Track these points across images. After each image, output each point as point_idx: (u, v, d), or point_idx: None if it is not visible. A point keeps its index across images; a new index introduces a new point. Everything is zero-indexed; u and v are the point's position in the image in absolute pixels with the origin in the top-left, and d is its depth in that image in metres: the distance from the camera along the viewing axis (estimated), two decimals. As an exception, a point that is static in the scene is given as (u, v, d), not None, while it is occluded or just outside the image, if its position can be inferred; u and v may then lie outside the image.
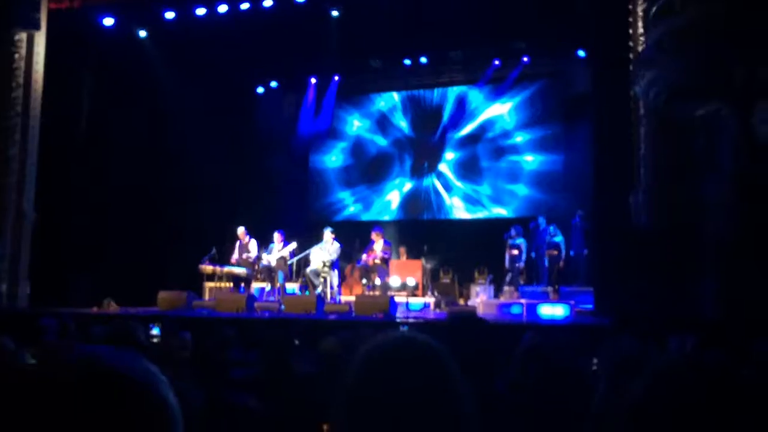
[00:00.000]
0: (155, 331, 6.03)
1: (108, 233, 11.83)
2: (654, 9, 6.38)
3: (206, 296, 11.02)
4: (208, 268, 10.87)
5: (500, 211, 14.13)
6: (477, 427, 0.96)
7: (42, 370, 0.71)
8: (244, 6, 11.52)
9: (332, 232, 10.79)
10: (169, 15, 11.70)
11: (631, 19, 8.66)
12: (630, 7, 8.71)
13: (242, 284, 10.97)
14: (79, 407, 0.67)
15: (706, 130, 7.26)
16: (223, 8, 11.52)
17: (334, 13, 12.04)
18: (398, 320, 8.67)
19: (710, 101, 6.59)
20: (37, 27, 10.53)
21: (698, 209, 7.38)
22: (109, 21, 11.71)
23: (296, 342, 3.97)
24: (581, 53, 12.61)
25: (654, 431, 0.67)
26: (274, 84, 15.04)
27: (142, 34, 12.41)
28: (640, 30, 8.16)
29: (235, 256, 11.02)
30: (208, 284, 11.22)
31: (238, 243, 11.11)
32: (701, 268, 7.15)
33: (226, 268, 10.88)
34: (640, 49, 7.93)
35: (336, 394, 1.00)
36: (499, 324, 8.00)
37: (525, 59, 13.45)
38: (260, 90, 15.12)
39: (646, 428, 0.68)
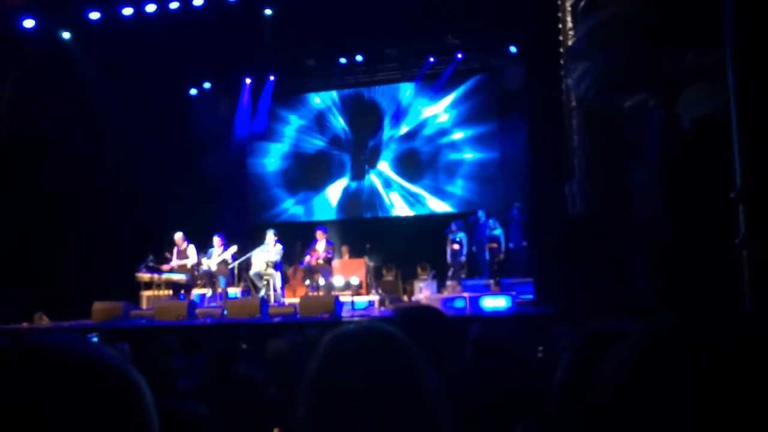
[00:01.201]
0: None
1: (36, 244, 11.29)
2: (582, 3, 6.57)
3: (144, 305, 10.70)
4: (145, 276, 10.55)
5: (440, 207, 14.28)
6: (444, 413, 0.95)
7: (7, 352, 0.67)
8: (174, 5, 11.23)
9: (275, 234, 10.66)
10: (94, 15, 11.26)
11: (560, 14, 8.90)
12: (559, 2, 8.95)
13: (182, 291, 10.70)
14: (54, 387, 0.64)
15: (635, 120, 7.53)
16: (151, 8, 11.18)
17: (267, 11, 11.88)
18: (344, 319, 8.64)
19: (637, 92, 6.83)
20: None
21: (629, 197, 7.65)
22: (29, 23, 11.19)
23: (244, 346, 3.90)
24: (513, 49, 12.89)
25: (643, 402, 0.67)
26: (207, 85, 14.71)
27: (66, 35, 11.91)
28: (570, 24, 8.40)
29: (173, 262, 10.74)
30: (146, 293, 10.89)
31: (175, 249, 10.83)
32: (633, 254, 7.41)
33: (164, 276, 10.58)
34: (570, 43, 8.16)
35: (301, 383, 0.98)
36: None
37: (459, 56, 13.63)
38: (193, 92, 14.77)
39: (634, 400, 0.68)
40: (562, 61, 8.66)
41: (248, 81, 14.62)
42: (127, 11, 11.19)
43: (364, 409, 0.92)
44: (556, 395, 1.13)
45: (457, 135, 14.27)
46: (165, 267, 10.65)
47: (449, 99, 14.38)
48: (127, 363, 0.72)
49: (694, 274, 5.46)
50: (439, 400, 0.97)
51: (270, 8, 11.83)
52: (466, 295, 9.99)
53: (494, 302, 9.55)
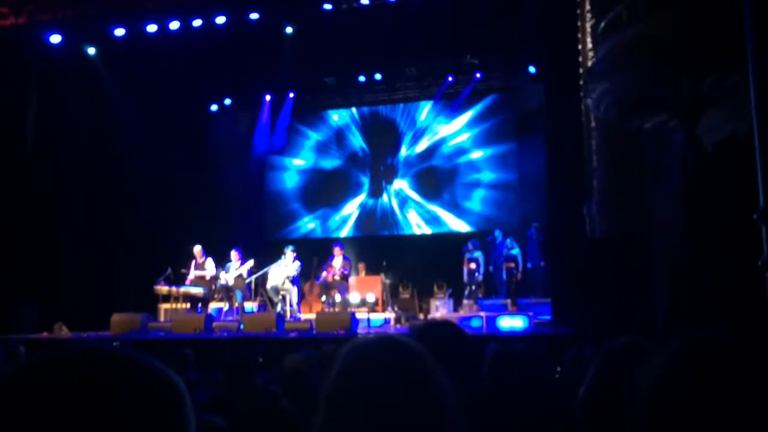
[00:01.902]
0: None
1: (58, 255, 11.44)
2: (602, 24, 6.59)
3: (162, 318, 10.76)
4: (163, 288, 10.62)
5: (458, 225, 14.25)
6: (463, 424, 0.95)
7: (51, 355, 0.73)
8: (197, 23, 11.41)
9: (294, 251, 10.69)
10: (119, 32, 11.48)
11: (579, 35, 8.91)
12: (579, 23, 8.97)
13: (199, 304, 10.75)
14: (98, 390, 0.70)
15: (655, 141, 7.50)
16: (174, 25, 11.37)
17: (288, 30, 12.03)
18: (360, 336, 8.61)
19: (657, 113, 6.81)
20: (-19, 45, 10.22)
21: (649, 219, 7.59)
22: (56, 38, 11.44)
23: (260, 360, 3.91)
24: (532, 69, 12.91)
25: (684, 411, 0.67)
26: (227, 102, 14.90)
27: (91, 51, 12.14)
28: (589, 45, 8.41)
29: (191, 275, 10.80)
30: (164, 305, 10.95)
31: (193, 262, 10.90)
32: (652, 277, 7.34)
33: (182, 289, 10.64)
34: (589, 64, 8.16)
35: (317, 396, 0.99)
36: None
37: (478, 75, 13.68)
38: (214, 108, 14.96)
39: (674, 409, 0.68)
40: (581, 82, 8.66)
41: (268, 98, 14.78)
42: (152, 28, 11.39)
43: (381, 421, 0.92)
44: (580, 411, 1.12)
45: (476, 154, 14.28)
46: (188, 280, 10.72)
47: (467, 118, 14.41)
48: (166, 368, 0.77)
49: (716, 297, 5.39)
50: (457, 413, 0.97)
51: (291, 26, 11.99)
52: (482, 314, 9.92)
53: (511, 322, 9.48)
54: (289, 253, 10.61)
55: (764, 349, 0.69)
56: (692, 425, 0.66)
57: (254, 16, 11.37)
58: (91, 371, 0.71)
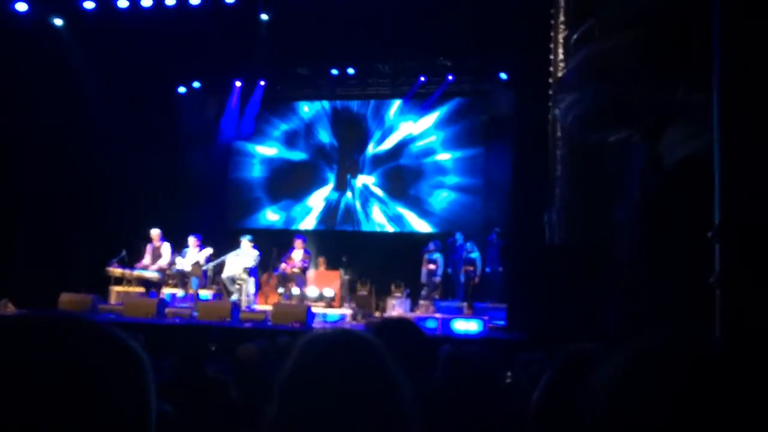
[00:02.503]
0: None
1: (8, 231, 11.10)
2: (575, 36, 6.67)
3: (113, 300, 10.54)
4: (116, 270, 10.41)
5: (420, 226, 14.31)
6: (417, 419, 0.95)
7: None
8: (170, 1, 11.20)
9: (251, 241, 10.59)
10: (89, 4, 11.19)
11: (552, 46, 9.02)
12: (552, 34, 9.08)
13: (153, 289, 10.56)
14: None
15: (618, 155, 7.63)
16: (147, 2, 11.14)
17: (264, 16, 11.89)
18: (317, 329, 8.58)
19: (622, 128, 6.92)
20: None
21: (608, 230, 7.72)
22: (22, 6, 11.08)
23: (213, 348, 3.86)
24: (504, 75, 13.03)
25: (640, 410, 0.68)
26: (196, 84, 14.64)
27: (58, 22, 11.80)
28: (561, 56, 8.51)
29: (146, 259, 10.60)
30: (116, 288, 10.72)
31: (150, 245, 10.70)
32: (607, 287, 7.47)
33: (136, 272, 10.44)
34: (560, 74, 8.26)
35: (270, 387, 0.97)
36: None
37: (450, 77, 13.74)
38: (182, 90, 14.69)
39: (631, 408, 0.69)
40: (551, 91, 8.77)
41: (238, 84, 14.58)
42: (123, 3, 11.14)
43: (336, 412, 0.91)
44: (534, 414, 1.13)
45: (443, 156, 14.35)
46: (139, 265, 10.52)
47: (437, 119, 14.47)
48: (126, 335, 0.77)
49: (667, 310, 5.53)
50: (411, 408, 0.97)
51: (267, 13, 11.85)
52: (438, 315, 9.98)
53: (466, 325, 9.55)
54: (245, 242, 10.51)
55: (712, 354, 0.70)
56: (648, 426, 0.67)
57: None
58: (45, 338, 0.69)
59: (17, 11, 11.09)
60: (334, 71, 14.02)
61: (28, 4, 11.10)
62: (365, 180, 14.75)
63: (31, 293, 9.77)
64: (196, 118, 14.69)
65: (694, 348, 0.71)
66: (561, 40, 8.66)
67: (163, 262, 10.55)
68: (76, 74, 11.92)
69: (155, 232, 10.70)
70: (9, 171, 11.22)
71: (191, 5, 11.21)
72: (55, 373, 0.66)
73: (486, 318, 9.80)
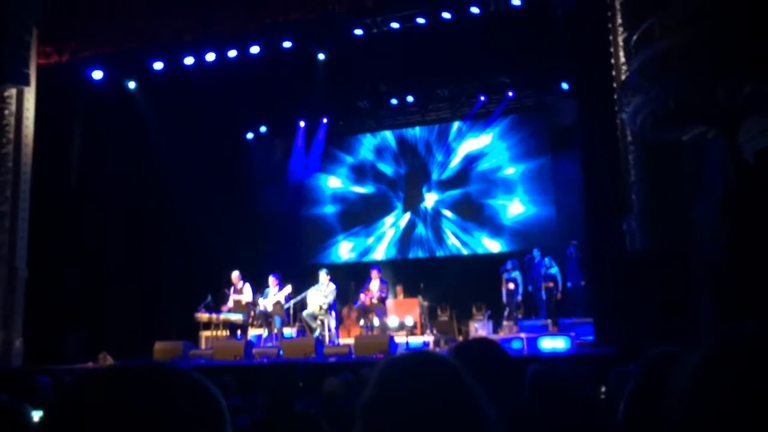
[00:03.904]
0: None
1: (102, 286, 11.71)
2: (634, 38, 6.52)
3: (203, 345, 10.87)
4: (204, 316, 10.74)
5: (494, 245, 14.13)
6: None
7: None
8: (232, 53, 11.68)
9: (327, 273, 10.73)
10: (158, 65, 11.83)
11: (612, 50, 8.84)
12: (610, 37, 8.90)
13: (239, 331, 10.83)
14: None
15: (694, 153, 7.35)
16: (210, 56, 11.66)
17: (321, 56, 12.21)
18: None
19: (695, 125, 6.68)
20: (27, 83, 10.62)
21: (690, 232, 7.41)
22: (98, 74, 11.83)
23: (300, 384, 3.91)
24: (565, 85, 12.82)
25: (718, 408, 0.66)
26: (263, 129, 15.14)
27: (131, 85, 12.52)
28: (622, 59, 8.32)
29: (230, 302, 10.91)
30: (205, 333, 11.06)
31: (232, 288, 11.01)
32: (697, 291, 7.13)
33: (222, 316, 10.75)
34: (623, 78, 8.07)
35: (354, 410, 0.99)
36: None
37: (510, 94, 13.64)
38: (250, 136, 15.22)
39: (708, 405, 0.67)
40: (615, 96, 8.57)
41: (302, 124, 14.96)
42: (189, 60, 11.70)
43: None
44: (621, 422, 1.10)
45: (509, 170, 14.19)
46: (223, 307, 10.83)
47: (500, 137, 14.35)
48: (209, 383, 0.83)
49: (763, 307, 5.22)
50: (496, 428, 0.96)
51: (323, 53, 12.17)
52: (523, 335, 9.77)
53: (553, 343, 9.30)
54: (323, 276, 10.64)
55: None
56: (729, 423, 0.65)
57: (287, 44, 11.59)
58: (134, 386, 0.76)
59: (94, 79, 11.84)
60: (394, 101, 14.18)
61: (104, 71, 11.84)
62: (435, 205, 14.74)
63: (127, 345, 10.23)
64: (266, 161, 15.16)
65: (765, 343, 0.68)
66: (621, 43, 8.49)
67: (244, 298, 10.81)
68: (151, 131, 12.56)
69: (235, 275, 11.01)
70: (98, 231, 11.88)
71: (251, 54, 11.65)
72: (141, 415, 0.73)
73: (573, 334, 9.51)
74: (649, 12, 6.63)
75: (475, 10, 10.46)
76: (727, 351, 0.71)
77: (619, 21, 8.52)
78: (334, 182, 15.57)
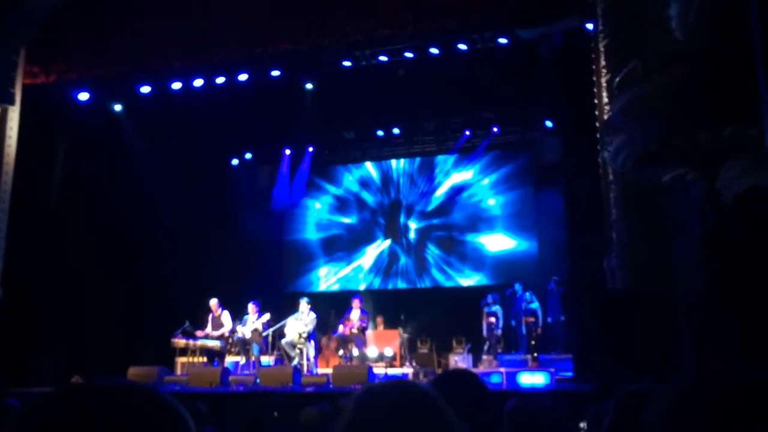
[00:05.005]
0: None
1: (79, 309, 11.51)
2: (617, 79, 6.67)
3: (179, 371, 10.69)
4: (180, 342, 10.59)
5: (476, 279, 14.15)
6: None
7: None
8: (220, 80, 11.72)
9: (308, 302, 10.66)
10: (145, 89, 11.82)
11: (596, 90, 9.02)
12: (594, 78, 9.09)
13: (216, 358, 10.68)
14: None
15: (674, 194, 7.46)
16: (198, 82, 11.70)
17: (308, 86, 12.31)
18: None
19: (676, 166, 6.79)
20: (12, 102, 10.55)
21: (670, 272, 7.47)
22: (84, 96, 11.81)
23: (276, 414, 3.86)
24: (549, 123, 13.03)
25: None
26: (248, 156, 15.15)
27: (117, 107, 12.49)
28: (605, 99, 8.49)
29: (208, 329, 10.78)
30: (180, 359, 10.89)
31: (210, 315, 10.89)
32: (676, 330, 7.17)
33: (199, 342, 10.60)
34: (606, 117, 8.22)
35: None
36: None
37: (495, 129, 13.82)
38: (235, 162, 15.21)
39: None
40: (598, 135, 8.71)
41: (288, 152, 15.01)
42: (176, 85, 11.72)
43: None
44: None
45: (492, 204, 14.30)
46: (200, 333, 10.69)
47: (484, 172, 14.50)
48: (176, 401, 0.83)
49: (742, 349, 5.26)
50: None
51: (311, 82, 12.27)
52: (502, 370, 9.72)
53: (532, 378, 9.27)
54: (304, 304, 10.58)
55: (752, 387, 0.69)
56: None
57: (275, 73, 11.67)
58: (98, 402, 0.77)
59: (80, 101, 11.81)
60: (380, 132, 14.30)
61: (90, 93, 11.82)
62: (416, 236, 14.77)
63: (102, 369, 10.02)
64: (250, 188, 15.13)
65: (736, 382, 0.69)
66: (604, 84, 8.66)
67: (225, 330, 10.70)
68: (135, 155, 12.50)
69: (213, 302, 10.91)
70: (75, 254, 11.73)
71: (239, 81, 11.71)
72: (107, 427, 0.74)
73: (552, 370, 9.49)
74: (632, 55, 6.80)
75: (462, 46, 10.64)
76: (697, 389, 0.72)
77: (603, 62, 8.71)
78: (317, 211, 15.56)
